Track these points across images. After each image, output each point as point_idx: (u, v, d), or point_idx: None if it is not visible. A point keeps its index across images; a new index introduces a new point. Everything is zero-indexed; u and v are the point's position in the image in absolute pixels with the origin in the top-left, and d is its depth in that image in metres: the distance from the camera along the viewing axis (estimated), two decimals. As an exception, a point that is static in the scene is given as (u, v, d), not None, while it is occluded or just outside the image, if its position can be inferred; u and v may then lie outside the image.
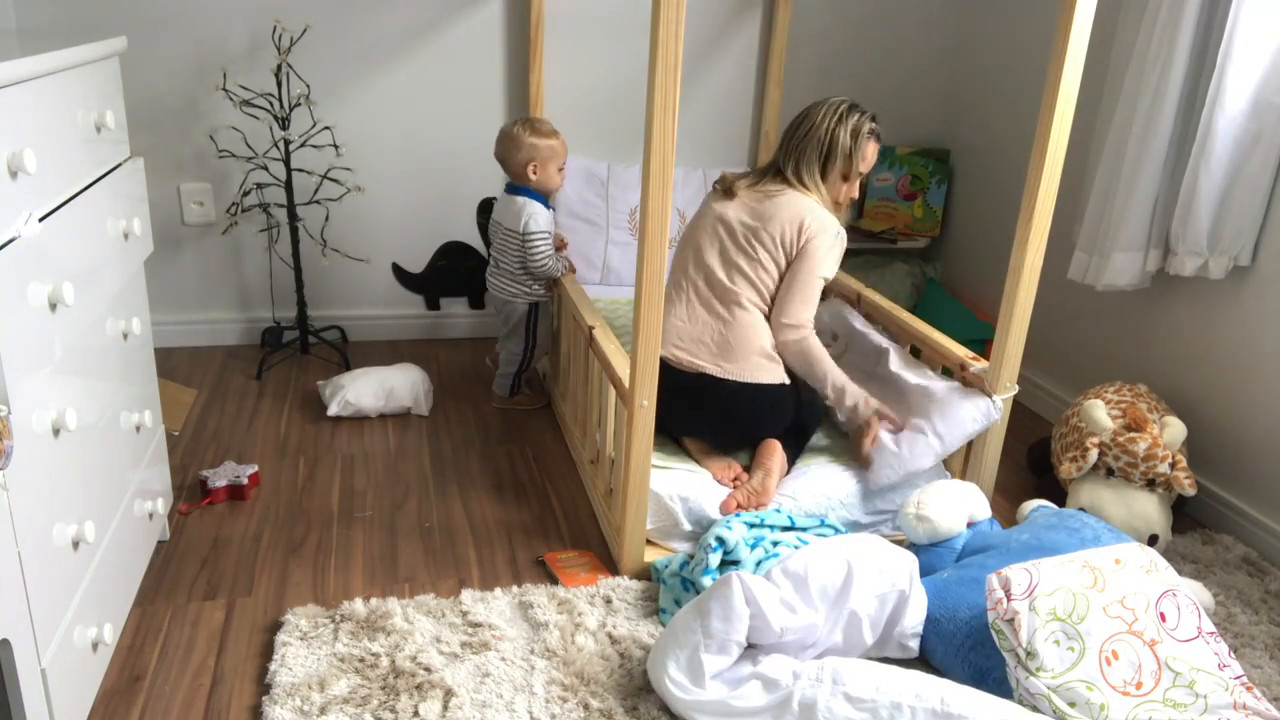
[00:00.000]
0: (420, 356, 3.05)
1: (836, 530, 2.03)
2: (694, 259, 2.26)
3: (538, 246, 2.56)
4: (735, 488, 2.10)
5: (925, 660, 1.78)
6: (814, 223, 2.18)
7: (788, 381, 2.20)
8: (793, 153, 2.24)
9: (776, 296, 2.22)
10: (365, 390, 2.66)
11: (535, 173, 2.56)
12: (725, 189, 2.27)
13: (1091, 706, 1.48)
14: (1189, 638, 1.58)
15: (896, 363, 2.33)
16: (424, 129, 3.06)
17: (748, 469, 2.19)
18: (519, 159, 2.55)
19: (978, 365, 2.16)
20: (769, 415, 2.20)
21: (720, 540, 1.87)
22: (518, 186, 2.60)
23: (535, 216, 2.55)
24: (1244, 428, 2.28)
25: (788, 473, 2.20)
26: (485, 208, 3.15)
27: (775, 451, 2.18)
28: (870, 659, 1.73)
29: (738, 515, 1.99)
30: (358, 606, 1.82)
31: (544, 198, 2.61)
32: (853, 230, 3.38)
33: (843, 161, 2.22)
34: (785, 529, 1.99)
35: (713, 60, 3.21)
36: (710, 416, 2.20)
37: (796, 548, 1.99)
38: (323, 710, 1.57)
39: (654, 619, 1.85)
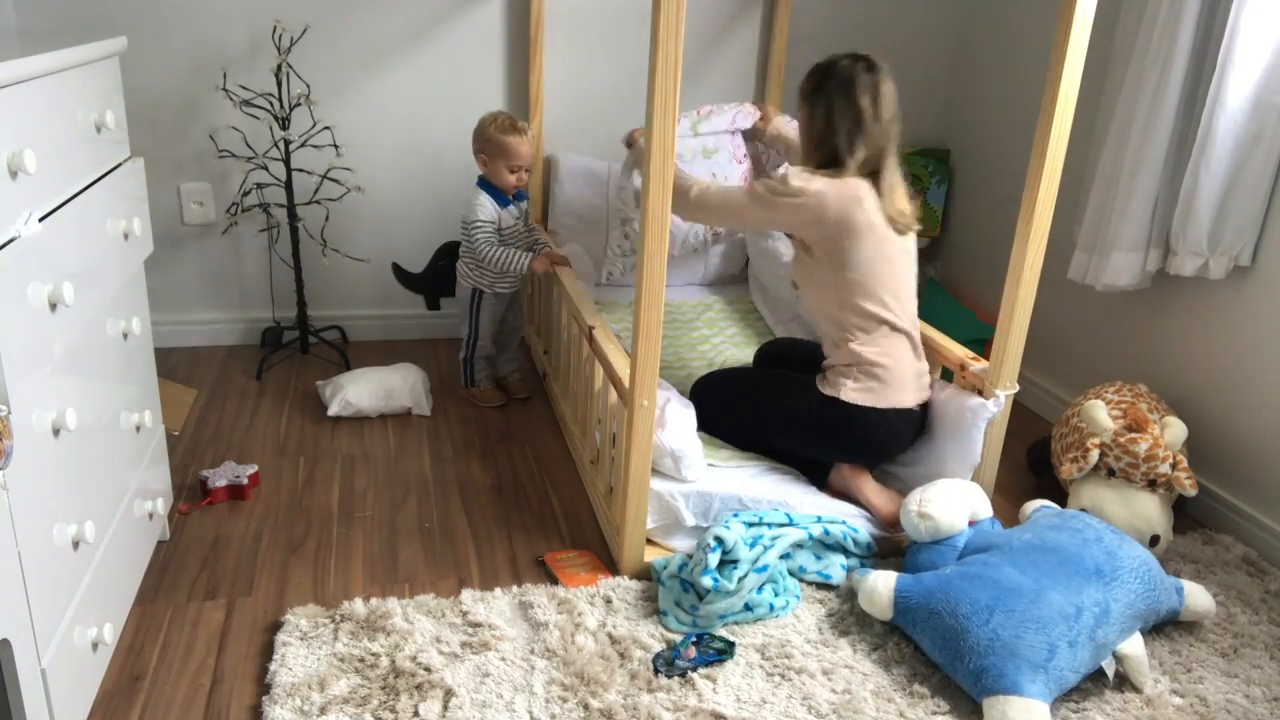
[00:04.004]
0: (420, 356, 3.05)
1: (848, 526, 2.04)
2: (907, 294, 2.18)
3: (475, 235, 2.60)
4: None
5: (923, 655, 1.78)
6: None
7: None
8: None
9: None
10: (365, 390, 2.66)
11: (484, 166, 2.61)
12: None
13: None
14: None
15: None
16: (424, 129, 3.06)
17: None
18: (474, 147, 2.62)
19: (978, 365, 2.16)
20: None
21: (719, 540, 1.87)
22: (480, 176, 2.65)
23: (476, 207, 2.60)
24: (1244, 428, 2.28)
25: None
26: None
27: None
28: None
29: (736, 515, 1.99)
30: (358, 606, 1.82)
31: (499, 191, 2.63)
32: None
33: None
34: (783, 525, 2.00)
35: (713, 60, 3.21)
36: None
37: (801, 545, 2.00)
38: (323, 710, 1.57)
39: (654, 619, 1.85)
